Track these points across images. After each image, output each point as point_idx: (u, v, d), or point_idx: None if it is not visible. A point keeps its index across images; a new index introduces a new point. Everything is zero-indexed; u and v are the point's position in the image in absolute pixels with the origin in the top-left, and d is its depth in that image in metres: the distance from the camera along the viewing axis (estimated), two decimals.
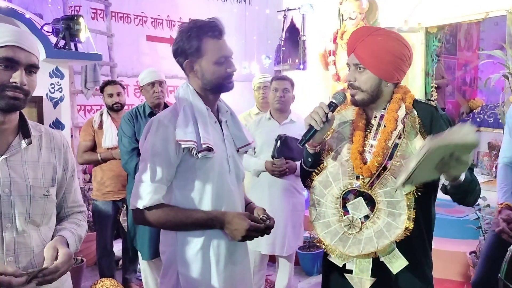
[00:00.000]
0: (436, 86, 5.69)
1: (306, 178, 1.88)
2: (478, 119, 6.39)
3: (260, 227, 1.66)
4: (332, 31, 5.60)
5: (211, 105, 1.77)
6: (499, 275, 2.09)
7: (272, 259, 3.82)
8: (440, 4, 4.99)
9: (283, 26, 6.51)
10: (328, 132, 1.83)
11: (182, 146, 1.63)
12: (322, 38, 5.80)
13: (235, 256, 1.77)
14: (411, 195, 1.65)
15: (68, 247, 1.44)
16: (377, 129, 1.74)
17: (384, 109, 1.76)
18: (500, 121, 5.06)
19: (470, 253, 3.66)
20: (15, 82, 1.35)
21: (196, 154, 1.64)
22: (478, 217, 3.60)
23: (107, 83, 3.85)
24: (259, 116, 3.62)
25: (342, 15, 5.47)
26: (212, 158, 1.68)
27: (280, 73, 6.43)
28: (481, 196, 3.65)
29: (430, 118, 1.71)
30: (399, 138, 1.68)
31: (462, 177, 1.58)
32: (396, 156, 1.67)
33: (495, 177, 5.29)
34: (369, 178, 1.68)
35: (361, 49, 1.72)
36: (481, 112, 6.46)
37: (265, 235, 1.72)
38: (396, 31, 5.19)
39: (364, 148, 1.74)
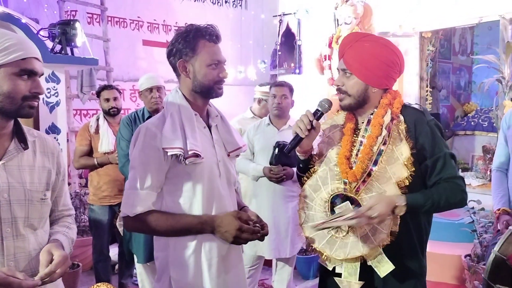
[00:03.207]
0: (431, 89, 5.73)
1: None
2: (472, 122, 6.43)
3: (251, 228, 1.66)
4: (327, 36, 5.63)
5: (200, 110, 1.77)
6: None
7: (268, 263, 3.83)
8: (434, 9, 5.03)
9: (279, 30, 6.54)
10: (320, 137, 1.86)
11: (169, 153, 1.63)
12: (317, 43, 5.84)
13: (228, 261, 1.76)
14: None
15: (63, 249, 1.46)
16: (364, 135, 1.76)
17: (372, 114, 1.77)
18: (494, 124, 5.10)
19: (465, 256, 3.68)
20: (36, 92, 1.41)
21: (183, 160, 1.64)
22: (473, 221, 3.63)
23: (104, 87, 3.85)
24: (256, 120, 3.64)
25: (338, 20, 5.50)
26: (201, 164, 1.68)
27: (276, 77, 6.45)
28: (475, 199, 3.70)
29: (414, 123, 1.72)
30: (384, 144, 1.69)
31: (402, 202, 1.61)
32: (380, 162, 1.69)
33: (489, 180, 5.33)
34: (355, 183, 1.71)
35: (349, 54, 1.75)
36: (476, 116, 6.50)
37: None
38: (390, 35, 5.25)
39: (351, 153, 1.76)
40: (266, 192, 3.21)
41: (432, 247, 4.01)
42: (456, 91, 7.74)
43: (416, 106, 1.81)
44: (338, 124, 1.87)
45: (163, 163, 1.66)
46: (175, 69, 1.75)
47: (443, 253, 3.86)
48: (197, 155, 1.65)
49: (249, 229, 1.65)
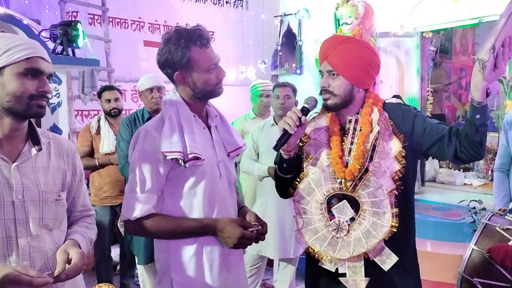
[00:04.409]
0: (432, 90, 5.73)
1: (284, 186, 1.92)
2: None
3: (252, 235, 1.67)
4: (328, 36, 5.64)
5: (198, 112, 1.77)
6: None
7: (270, 263, 3.83)
8: (435, 9, 5.03)
9: (280, 31, 6.55)
10: (305, 140, 1.87)
11: (168, 157, 1.63)
12: (318, 43, 5.84)
13: (229, 262, 1.76)
14: (392, 193, 1.70)
15: (80, 248, 1.49)
16: (353, 133, 1.79)
17: (357, 113, 1.81)
18: (495, 124, 5.10)
19: None
20: (43, 91, 1.43)
21: (183, 164, 1.64)
22: (474, 220, 3.63)
23: (105, 88, 3.86)
24: (259, 121, 3.65)
25: (338, 20, 5.50)
26: (202, 165, 1.68)
27: (277, 77, 6.46)
28: (477, 199, 3.70)
29: (401, 115, 1.78)
30: (376, 140, 1.74)
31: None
32: (375, 157, 1.72)
33: (491, 180, 5.34)
34: (352, 181, 1.72)
35: (334, 56, 1.78)
36: None
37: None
38: (392, 35, 5.24)
39: (343, 152, 1.78)
40: (271, 192, 3.22)
41: (434, 247, 4.02)
42: (457, 91, 7.74)
43: (394, 100, 1.88)
44: (322, 126, 1.88)
45: (163, 166, 1.65)
46: (171, 79, 1.73)
47: (445, 253, 3.87)
48: (197, 158, 1.64)
49: (251, 236, 1.66)
